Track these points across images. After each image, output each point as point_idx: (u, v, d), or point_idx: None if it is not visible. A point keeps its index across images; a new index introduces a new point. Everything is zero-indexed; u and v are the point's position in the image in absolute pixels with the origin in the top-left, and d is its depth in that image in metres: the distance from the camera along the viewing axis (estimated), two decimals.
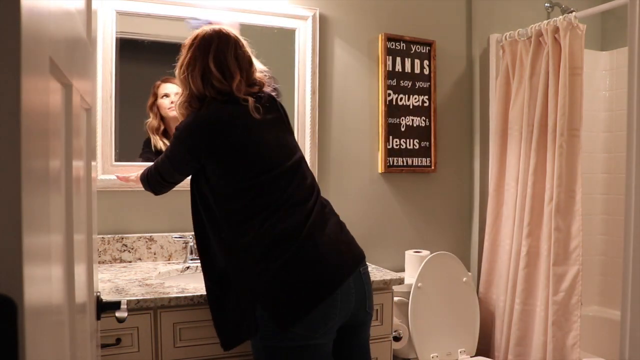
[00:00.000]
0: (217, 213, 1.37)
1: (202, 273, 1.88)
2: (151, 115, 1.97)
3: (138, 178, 1.63)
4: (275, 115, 1.48)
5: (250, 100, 1.41)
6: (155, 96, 1.97)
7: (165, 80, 1.97)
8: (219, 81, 1.40)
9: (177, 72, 1.46)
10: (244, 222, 1.33)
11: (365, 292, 1.39)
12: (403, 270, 2.27)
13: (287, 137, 1.48)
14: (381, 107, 2.30)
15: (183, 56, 1.45)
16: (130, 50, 1.93)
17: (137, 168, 1.92)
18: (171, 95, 1.95)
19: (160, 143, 1.97)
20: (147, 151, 1.98)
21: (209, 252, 1.43)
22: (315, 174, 2.17)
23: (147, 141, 1.98)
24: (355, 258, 1.40)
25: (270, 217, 1.32)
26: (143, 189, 1.61)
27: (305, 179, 1.44)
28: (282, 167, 1.39)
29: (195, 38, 1.44)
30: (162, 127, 1.98)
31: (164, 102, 1.97)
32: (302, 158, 1.48)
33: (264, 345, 1.31)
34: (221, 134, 1.36)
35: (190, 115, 1.42)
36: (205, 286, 1.42)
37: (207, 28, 1.46)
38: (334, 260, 1.33)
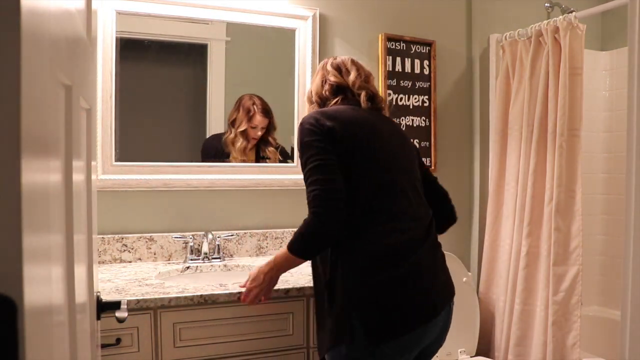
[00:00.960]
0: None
1: (203, 273, 1.88)
2: (239, 137, 2.05)
3: (284, 254, 1.36)
4: (394, 127, 1.52)
5: (364, 98, 1.46)
6: (248, 122, 2.05)
7: (259, 109, 2.06)
8: (334, 75, 1.49)
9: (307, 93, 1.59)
10: (361, 227, 1.29)
11: (447, 326, 1.39)
12: None
13: (406, 150, 1.48)
14: None
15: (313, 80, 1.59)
16: (130, 50, 1.94)
17: (137, 168, 1.92)
18: (258, 128, 2.07)
19: (244, 159, 2.07)
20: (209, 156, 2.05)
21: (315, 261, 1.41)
22: None
23: (206, 149, 2.05)
24: (450, 292, 1.41)
25: (384, 225, 1.30)
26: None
27: (421, 197, 1.44)
28: (401, 175, 1.39)
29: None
30: (249, 146, 2.08)
31: (252, 133, 2.08)
32: (419, 178, 1.48)
33: (347, 355, 1.26)
34: (343, 124, 1.34)
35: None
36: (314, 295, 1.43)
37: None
38: (435, 291, 1.34)
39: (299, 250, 1.32)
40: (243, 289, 1.45)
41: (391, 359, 1.26)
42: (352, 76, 1.50)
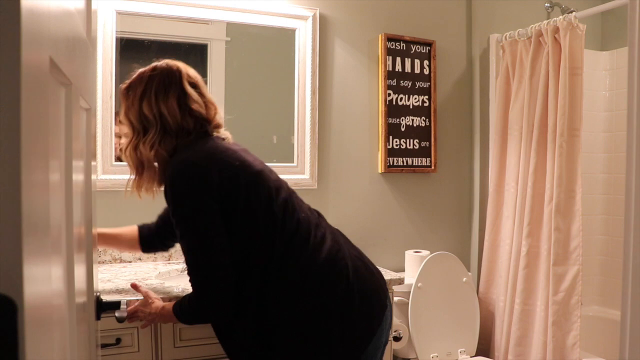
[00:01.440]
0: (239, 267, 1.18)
1: None
2: None
3: (164, 313, 1.25)
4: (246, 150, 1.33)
5: (227, 135, 1.31)
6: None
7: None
8: (199, 105, 1.24)
9: (135, 111, 1.23)
10: (281, 259, 1.17)
11: (392, 315, 1.33)
12: (403, 270, 2.27)
13: (262, 161, 1.32)
14: (381, 107, 2.30)
15: (140, 92, 1.23)
16: (130, 50, 1.94)
17: None
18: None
19: None
20: None
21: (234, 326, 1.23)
22: (315, 174, 2.17)
23: None
24: (383, 280, 1.33)
25: (304, 245, 1.20)
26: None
27: (302, 202, 1.33)
28: (284, 186, 1.28)
29: (147, 71, 1.25)
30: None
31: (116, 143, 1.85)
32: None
33: None
34: (227, 166, 1.18)
35: (170, 163, 1.19)
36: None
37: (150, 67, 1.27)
38: (376, 285, 1.27)
39: (188, 321, 1.25)
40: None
41: None
42: (213, 111, 1.29)
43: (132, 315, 1.29)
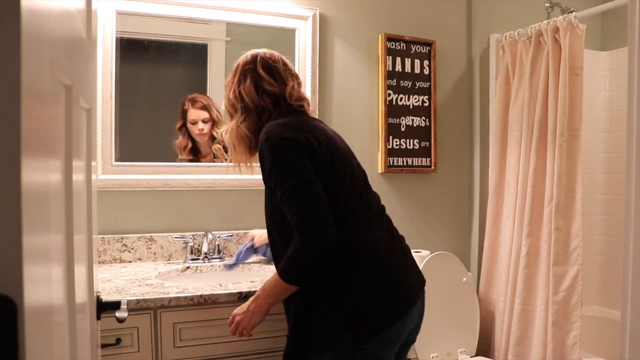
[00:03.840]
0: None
1: (203, 273, 1.89)
2: (180, 135, 2.00)
3: (275, 282, 1.29)
4: (333, 130, 1.48)
5: (306, 105, 1.45)
6: (184, 119, 2.00)
7: (194, 103, 1.99)
8: (270, 84, 1.39)
9: (225, 99, 1.46)
10: (338, 230, 1.27)
11: (422, 315, 1.40)
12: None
13: (350, 150, 1.46)
14: (381, 107, 2.30)
15: (230, 82, 1.46)
16: (130, 50, 1.94)
17: (137, 168, 1.93)
18: (199, 123, 1.99)
19: (186, 159, 2.02)
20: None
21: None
22: None
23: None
24: (421, 280, 1.43)
25: (356, 225, 1.31)
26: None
27: (374, 193, 1.45)
28: (358, 170, 1.41)
29: (237, 65, 1.46)
30: (189, 146, 2.01)
31: (194, 129, 2.00)
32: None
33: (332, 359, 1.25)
34: (312, 134, 1.31)
35: (262, 130, 1.33)
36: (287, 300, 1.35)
37: (246, 54, 1.48)
38: (410, 280, 1.36)
39: (291, 277, 1.26)
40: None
41: (377, 357, 1.27)
42: (289, 86, 1.42)
43: (236, 327, 1.35)
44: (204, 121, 2.00)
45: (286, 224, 1.28)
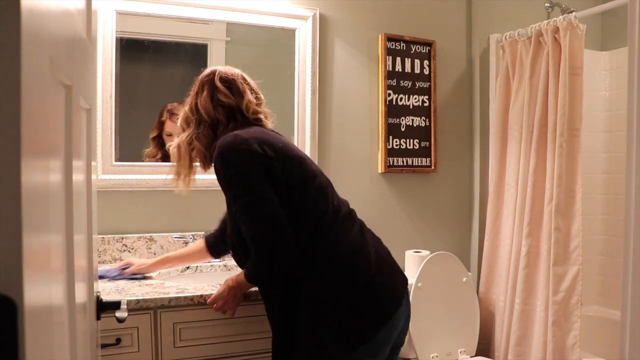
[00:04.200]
0: None
1: (203, 273, 1.88)
2: (151, 145, 1.98)
3: (239, 282, 1.37)
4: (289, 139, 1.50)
5: (264, 118, 1.44)
6: (160, 129, 1.97)
7: (171, 115, 1.95)
8: (226, 96, 1.38)
9: (181, 114, 1.44)
10: (308, 239, 1.27)
11: (409, 315, 1.38)
12: (403, 270, 2.27)
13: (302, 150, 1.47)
14: (381, 107, 2.30)
15: (189, 96, 1.45)
16: (130, 50, 1.94)
17: (137, 168, 1.92)
18: (174, 136, 1.91)
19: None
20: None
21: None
22: None
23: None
24: (404, 280, 1.40)
25: (329, 232, 1.29)
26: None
27: (340, 198, 1.44)
28: (321, 176, 1.39)
29: (197, 79, 1.46)
30: (159, 155, 1.98)
31: (168, 140, 1.95)
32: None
33: None
34: (270, 144, 1.29)
35: (216, 144, 1.31)
36: (267, 313, 1.39)
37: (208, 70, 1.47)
38: (394, 281, 1.33)
39: (258, 283, 1.36)
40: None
41: None
42: (246, 99, 1.41)
43: (218, 308, 1.42)
44: (178, 134, 1.97)
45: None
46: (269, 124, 1.46)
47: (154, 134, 1.98)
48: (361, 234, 1.35)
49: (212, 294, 1.46)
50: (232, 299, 1.41)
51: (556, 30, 2.16)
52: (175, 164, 1.44)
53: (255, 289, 1.43)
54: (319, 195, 1.33)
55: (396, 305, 1.29)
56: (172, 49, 2.01)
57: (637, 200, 1.52)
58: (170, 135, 1.95)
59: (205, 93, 1.39)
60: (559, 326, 2.07)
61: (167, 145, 1.59)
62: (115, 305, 1.05)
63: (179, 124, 1.45)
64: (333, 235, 1.29)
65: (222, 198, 2.05)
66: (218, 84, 1.40)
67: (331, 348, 1.22)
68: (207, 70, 1.45)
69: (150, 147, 1.98)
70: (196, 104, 1.40)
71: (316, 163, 2.08)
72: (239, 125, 1.37)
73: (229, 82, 1.41)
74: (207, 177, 2.00)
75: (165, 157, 1.99)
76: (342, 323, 1.23)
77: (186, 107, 1.43)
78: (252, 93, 1.44)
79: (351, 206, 1.45)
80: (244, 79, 1.45)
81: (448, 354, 2.14)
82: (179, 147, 1.41)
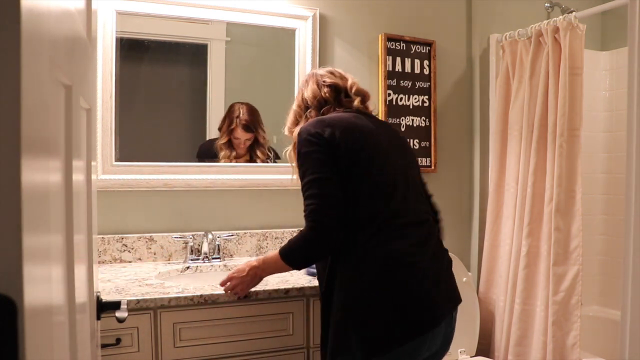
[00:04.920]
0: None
1: (203, 273, 1.88)
2: (224, 149, 2.05)
3: (274, 257, 1.37)
4: (392, 131, 1.49)
5: (367, 99, 1.49)
6: (229, 135, 2.04)
7: (242, 124, 2.04)
8: (330, 77, 1.46)
9: (290, 115, 1.51)
10: (360, 234, 1.25)
11: (451, 336, 1.35)
12: None
13: (406, 154, 1.45)
14: (381, 107, 2.30)
15: (295, 100, 1.54)
16: (130, 50, 1.94)
17: (137, 168, 1.92)
18: (242, 139, 2.06)
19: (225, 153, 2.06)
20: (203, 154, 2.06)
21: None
22: None
23: (201, 152, 2.06)
24: (453, 301, 1.35)
25: (377, 233, 1.25)
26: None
27: (423, 201, 1.41)
28: (393, 180, 1.32)
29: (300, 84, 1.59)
30: (233, 154, 2.07)
31: (237, 142, 2.07)
32: (420, 181, 1.45)
33: None
34: (342, 130, 1.30)
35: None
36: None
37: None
38: (437, 300, 1.28)
39: (288, 258, 1.33)
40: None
41: None
42: (350, 80, 1.49)
43: (231, 288, 1.44)
44: (248, 139, 2.07)
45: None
46: (371, 105, 1.52)
47: (224, 140, 2.04)
48: (415, 245, 1.29)
49: (212, 294, 1.47)
50: (249, 279, 1.42)
51: (556, 30, 2.16)
52: (294, 164, 1.45)
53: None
54: (377, 193, 1.29)
55: (431, 324, 1.24)
56: (172, 49, 2.01)
57: (637, 200, 1.52)
58: (237, 139, 2.06)
59: (310, 83, 1.48)
60: (559, 326, 2.07)
61: (284, 152, 1.61)
62: (115, 305, 1.05)
63: (287, 128, 1.51)
64: (378, 239, 1.25)
65: (222, 198, 2.07)
66: (321, 72, 1.50)
67: (354, 350, 1.21)
68: (305, 75, 1.58)
69: (224, 151, 2.05)
70: (302, 98, 1.48)
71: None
72: (342, 105, 1.44)
73: (331, 71, 1.51)
74: (207, 177, 2.00)
75: (238, 157, 2.09)
76: (368, 327, 1.21)
77: (294, 107, 1.50)
78: (352, 78, 1.51)
79: None
80: (341, 70, 1.54)
81: (448, 354, 2.14)
82: (294, 146, 1.43)
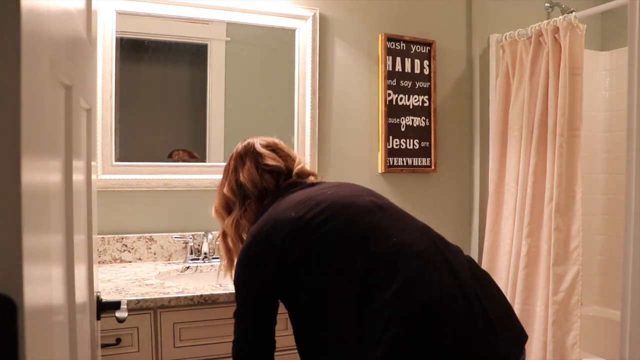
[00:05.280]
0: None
1: (203, 273, 1.88)
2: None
3: None
4: (340, 185, 1.25)
5: (313, 177, 1.28)
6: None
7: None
8: (273, 159, 1.24)
9: (217, 201, 1.29)
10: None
11: None
12: None
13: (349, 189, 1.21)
14: (381, 107, 2.30)
15: (223, 180, 1.30)
16: (130, 50, 1.94)
17: (137, 168, 1.93)
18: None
19: None
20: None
21: None
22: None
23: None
24: (517, 344, 1.09)
25: (407, 285, 0.96)
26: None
27: (403, 221, 1.11)
28: (360, 235, 1.05)
29: (231, 156, 1.31)
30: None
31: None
32: (381, 202, 1.16)
33: None
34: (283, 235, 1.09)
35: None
36: None
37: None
38: (496, 353, 0.97)
39: None
40: None
41: None
42: (297, 160, 1.28)
43: None
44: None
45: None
46: (318, 178, 1.31)
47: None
48: (457, 277, 1.00)
49: (212, 294, 1.47)
50: None
51: (556, 30, 2.16)
52: (224, 255, 1.29)
53: None
54: (349, 278, 1.01)
55: None
56: (172, 49, 2.01)
57: (637, 200, 1.52)
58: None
59: (248, 164, 1.25)
60: (559, 326, 2.07)
61: (213, 240, 1.41)
62: (115, 305, 1.05)
63: (213, 210, 1.31)
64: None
65: None
66: (262, 150, 1.27)
67: None
68: (241, 144, 1.31)
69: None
70: (237, 180, 1.25)
71: (313, 162, 1.98)
72: (282, 190, 1.22)
73: (272, 146, 1.30)
74: (206, 177, 2.00)
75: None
76: None
77: (223, 191, 1.27)
78: (297, 156, 1.32)
79: None
80: (282, 144, 1.33)
81: None
82: (224, 235, 1.27)
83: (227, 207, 1.28)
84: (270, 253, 1.08)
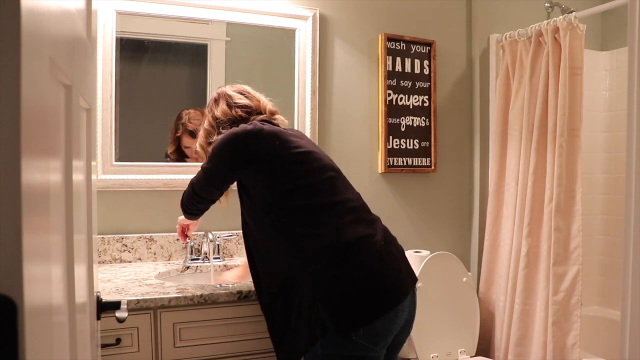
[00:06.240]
0: (274, 221, 1.36)
1: (203, 273, 1.88)
2: (173, 158, 2.01)
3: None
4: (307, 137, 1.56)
5: (279, 117, 1.53)
6: (177, 144, 2.00)
7: (188, 132, 1.98)
8: (240, 98, 1.50)
9: (200, 137, 1.53)
10: (309, 225, 1.32)
11: (413, 314, 1.39)
12: None
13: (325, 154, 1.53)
14: (381, 107, 2.30)
15: (203, 121, 1.56)
16: (130, 50, 1.94)
17: (137, 168, 1.93)
18: (191, 148, 1.99)
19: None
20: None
21: (262, 266, 1.42)
22: None
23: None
24: (412, 278, 1.42)
25: (340, 219, 1.33)
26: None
27: (354, 191, 1.47)
28: (334, 171, 1.43)
29: (208, 103, 1.58)
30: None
31: (187, 151, 2.01)
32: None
33: (323, 354, 1.25)
34: (264, 140, 1.37)
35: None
36: (262, 305, 1.42)
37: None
38: (399, 276, 1.35)
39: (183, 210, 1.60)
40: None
41: (367, 350, 1.25)
42: (262, 102, 1.53)
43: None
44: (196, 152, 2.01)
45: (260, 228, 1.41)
46: (286, 123, 1.55)
47: (171, 149, 2.00)
48: (370, 227, 1.37)
49: (212, 294, 1.47)
50: (179, 229, 1.74)
51: (556, 30, 2.16)
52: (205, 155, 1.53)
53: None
54: (329, 187, 1.39)
55: (397, 299, 1.30)
56: (172, 49, 2.01)
57: (637, 200, 1.52)
58: (188, 147, 1.99)
59: (221, 103, 1.50)
60: (559, 326, 2.07)
61: (193, 147, 1.66)
62: (115, 305, 1.05)
63: (198, 145, 1.54)
64: (345, 224, 1.33)
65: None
66: (231, 92, 1.52)
67: (328, 327, 1.23)
68: (215, 92, 1.57)
69: (173, 161, 2.01)
70: (213, 114, 1.50)
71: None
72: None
73: (241, 91, 1.54)
74: None
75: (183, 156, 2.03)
76: (340, 305, 1.24)
77: (204, 125, 1.52)
78: (263, 98, 1.56)
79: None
80: (251, 90, 1.57)
81: (448, 354, 2.14)
82: (202, 147, 1.52)
83: (208, 136, 1.51)
84: (260, 136, 1.37)
